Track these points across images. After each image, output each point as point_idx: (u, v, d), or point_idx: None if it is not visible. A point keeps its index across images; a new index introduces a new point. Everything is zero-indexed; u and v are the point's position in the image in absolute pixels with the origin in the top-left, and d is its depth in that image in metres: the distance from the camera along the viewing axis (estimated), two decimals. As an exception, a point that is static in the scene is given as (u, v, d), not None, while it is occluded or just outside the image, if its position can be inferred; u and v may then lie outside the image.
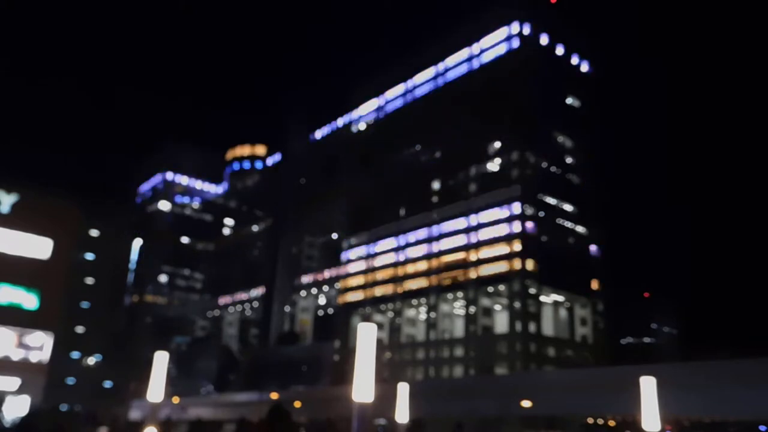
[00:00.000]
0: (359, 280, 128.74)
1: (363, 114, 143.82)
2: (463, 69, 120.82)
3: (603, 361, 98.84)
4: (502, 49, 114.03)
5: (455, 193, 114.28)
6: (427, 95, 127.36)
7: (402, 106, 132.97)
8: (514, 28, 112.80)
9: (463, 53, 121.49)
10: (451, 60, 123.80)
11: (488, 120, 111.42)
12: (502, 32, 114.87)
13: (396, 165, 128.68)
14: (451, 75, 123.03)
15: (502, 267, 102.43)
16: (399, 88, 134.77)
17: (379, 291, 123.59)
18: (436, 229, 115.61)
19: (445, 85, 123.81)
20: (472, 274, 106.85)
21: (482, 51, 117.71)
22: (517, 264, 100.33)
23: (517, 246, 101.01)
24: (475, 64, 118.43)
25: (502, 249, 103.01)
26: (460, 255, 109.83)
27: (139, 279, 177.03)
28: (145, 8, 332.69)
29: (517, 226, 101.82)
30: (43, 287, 48.20)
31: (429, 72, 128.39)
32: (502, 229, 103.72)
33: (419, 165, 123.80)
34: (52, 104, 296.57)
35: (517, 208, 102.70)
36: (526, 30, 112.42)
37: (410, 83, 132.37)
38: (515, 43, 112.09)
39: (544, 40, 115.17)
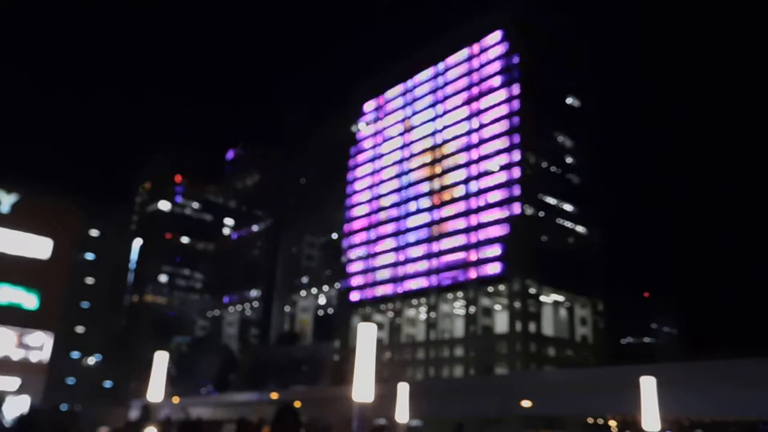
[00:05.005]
0: (359, 280, 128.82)
1: (363, 113, 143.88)
2: (463, 69, 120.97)
3: (603, 361, 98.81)
4: (502, 48, 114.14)
5: (455, 193, 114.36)
6: (426, 95, 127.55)
7: (402, 106, 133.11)
8: (514, 28, 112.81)
9: (463, 53, 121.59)
10: (450, 60, 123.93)
11: (488, 120, 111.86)
12: (501, 32, 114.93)
13: (395, 164, 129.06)
14: (451, 75, 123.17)
15: (502, 267, 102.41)
16: (398, 88, 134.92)
17: (379, 291, 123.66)
18: (436, 229, 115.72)
19: (444, 85, 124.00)
20: (472, 274, 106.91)
21: (482, 51, 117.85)
22: (517, 264, 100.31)
23: (517, 246, 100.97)
24: (475, 63, 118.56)
25: (502, 249, 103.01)
26: (460, 255, 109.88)
27: (139, 279, 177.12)
28: (146, 7, 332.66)
29: (516, 226, 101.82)
30: (43, 287, 48.17)
31: (429, 72, 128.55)
32: (502, 229, 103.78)
33: (419, 164, 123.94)
34: (53, 104, 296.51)
35: (517, 208, 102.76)
36: (526, 30, 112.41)
37: (410, 83, 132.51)
38: (515, 43, 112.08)
39: (544, 40, 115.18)
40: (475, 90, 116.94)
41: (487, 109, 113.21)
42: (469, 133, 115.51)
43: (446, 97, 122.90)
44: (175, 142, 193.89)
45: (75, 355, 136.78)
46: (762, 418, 53.98)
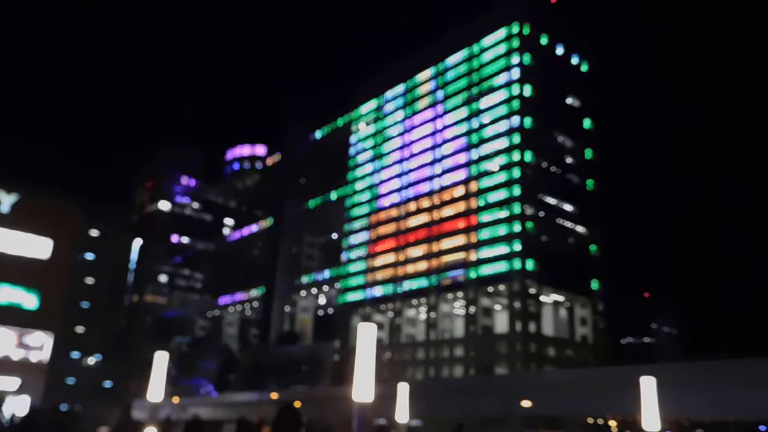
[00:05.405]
0: (359, 280, 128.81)
1: (363, 114, 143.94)
2: (463, 68, 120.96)
3: (603, 361, 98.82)
4: (502, 48, 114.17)
5: (455, 193, 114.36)
6: (426, 95, 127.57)
7: (402, 106, 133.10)
8: (514, 28, 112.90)
9: (463, 53, 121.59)
10: (451, 59, 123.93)
11: (488, 119, 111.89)
12: (502, 32, 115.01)
13: (395, 164, 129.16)
14: (451, 74, 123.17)
15: (502, 267, 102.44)
16: (399, 88, 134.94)
17: (379, 291, 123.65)
18: (436, 229, 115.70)
19: (444, 85, 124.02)
20: (472, 274, 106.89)
21: (482, 50, 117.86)
22: (517, 264, 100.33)
23: (517, 246, 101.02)
24: (475, 63, 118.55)
25: (502, 249, 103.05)
26: (460, 255, 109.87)
27: (139, 279, 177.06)
28: (146, 7, 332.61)
29: (517, 226, 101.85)
30: (43, 287, 48.14)
31: (429, 71, 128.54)
32: (502, 229, 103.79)
33: (419, 164, 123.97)
34: (53, 104, 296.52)
35: (517, 208, 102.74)
36: (526, 30, 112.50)
37: (410, 83, 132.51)
38: (515, 43, 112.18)
39: (544, 40, 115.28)
40: (475, 90, 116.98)
41: (487, 109, 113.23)
42: (469, 133, 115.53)
43: (446, 97, 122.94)
44: (175, 142, 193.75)
45: (75, 355, 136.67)
46: (762, 418, 54.01)
